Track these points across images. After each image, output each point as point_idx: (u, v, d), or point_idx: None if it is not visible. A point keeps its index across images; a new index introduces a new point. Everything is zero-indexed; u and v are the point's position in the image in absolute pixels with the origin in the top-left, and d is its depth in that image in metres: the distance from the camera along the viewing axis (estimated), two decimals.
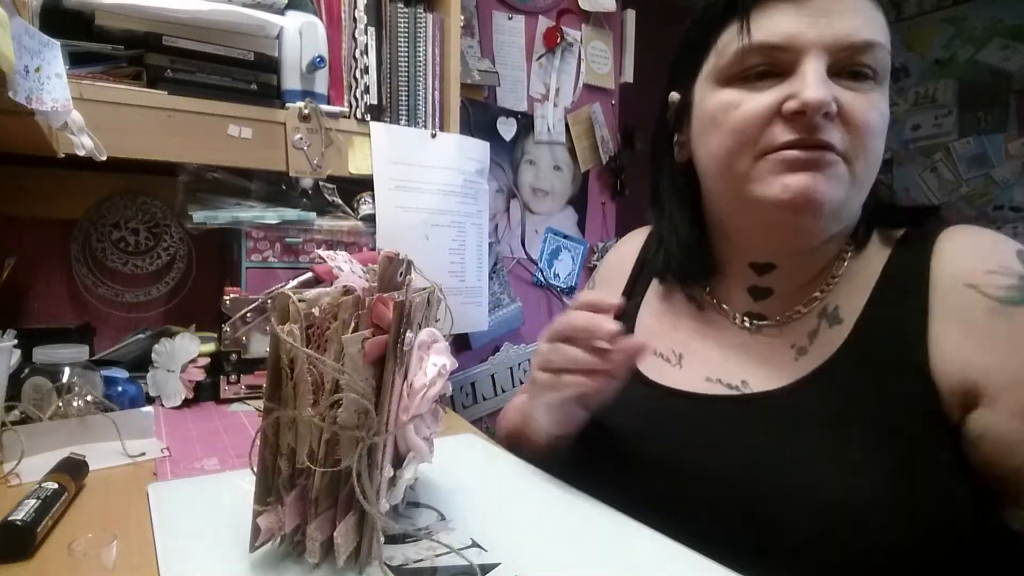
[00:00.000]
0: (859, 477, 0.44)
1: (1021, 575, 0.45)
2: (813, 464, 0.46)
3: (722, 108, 0.50)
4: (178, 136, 0.85)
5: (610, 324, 0.48)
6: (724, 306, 0.58)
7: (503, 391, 1.50)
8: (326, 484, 0.40)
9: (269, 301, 0.83)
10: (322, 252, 0.72)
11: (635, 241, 0.72)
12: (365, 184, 1.02)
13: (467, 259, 1.15)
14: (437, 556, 0.42)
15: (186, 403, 0.81)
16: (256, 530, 0.39)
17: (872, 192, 0.52)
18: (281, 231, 0.92)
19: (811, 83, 0.45)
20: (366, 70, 1.03)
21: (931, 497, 0.43)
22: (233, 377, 0.83)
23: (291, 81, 0.95)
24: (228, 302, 0.82)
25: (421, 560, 0.42)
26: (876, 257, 0.51)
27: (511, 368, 1.51)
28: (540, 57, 1.53)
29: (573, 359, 0.49)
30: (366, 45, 1.03)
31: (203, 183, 0.92)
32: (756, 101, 0.48)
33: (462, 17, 1.14)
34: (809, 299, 0.53)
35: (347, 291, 0.40)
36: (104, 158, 0.74)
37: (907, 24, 2.35)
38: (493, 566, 0.41)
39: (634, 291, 0.67)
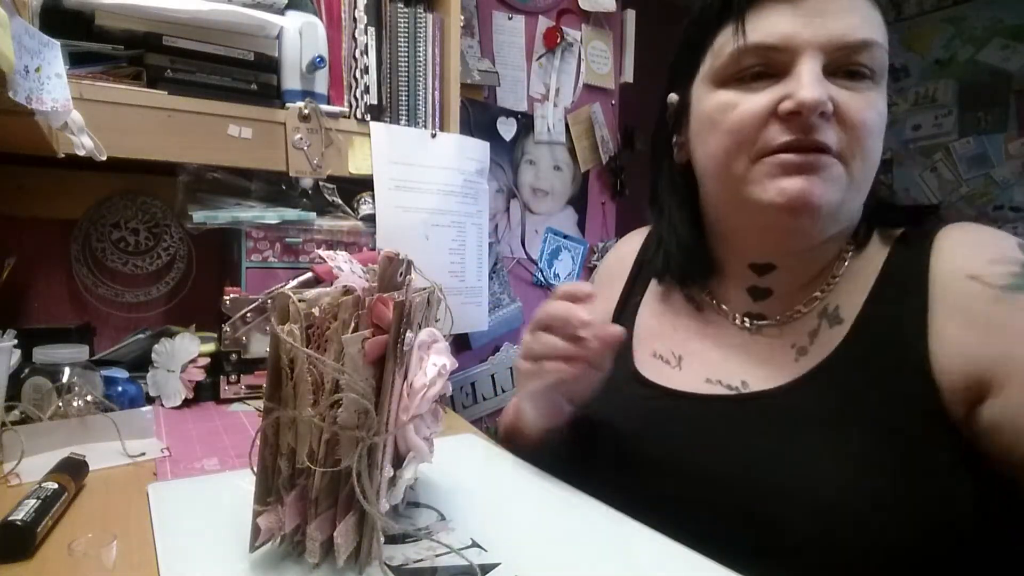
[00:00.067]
0: (859, 477, 0.44)
1: (1021, 575, 0.45)
2: (813, 464, 0.45)
3: (719, 109, 0.50)
4: (178, 136, 0.85)
5: (584, 313, 0.50)
6: (723, 306, 0.58)
7: (503, 391, 1.50)
8: (326, 484, 0.40)
9: (269, 301, 0.83)
10: (322, 252, 0.72)
11: (634, 242, 0.72)
12: (365, 184, 1.02)
13: (467, 259, 1.15)
14: (437, 556, 0.42)
15: (186, 403, 0.81)
16: (256, 530, 0.39)
17: (872, 192, 0.52)
18: (281, 231, 0.92)
19: (806, 83, 0.45)
20: (366, 70, 1.03)
21: (931, 497, 0.42)
22: (233, 377, 0.83)
23: (291, 81, 0.95)
24: (228, 302, 0.82)
25: (421, 560, 0.42)
26: (876, 256, 0.51)
27: (511, 368, 1.51)
28: (540, 57, 1.53)
29: (552, 347, 0.51)
30: (366, 45, 1.03)
31: (203, 183, 0.92)
32: (752, 102, 0.48)
33: (462, 17, 1.14)
34: (809, 299, 0.53)
35: (347, 291, 0.41)
36: (104, 158, 0.74)
37: (907, 24, 2.34)
38: (493, 566, 0.41)
39: (633, 291, 0.68)
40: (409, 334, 0.40)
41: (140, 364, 0.84)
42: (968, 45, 2.20)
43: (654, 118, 0.62)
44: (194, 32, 0.86)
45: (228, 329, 0.81)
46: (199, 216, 0.87)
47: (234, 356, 0.83)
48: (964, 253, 0.47)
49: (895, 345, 0.46)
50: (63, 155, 0.75)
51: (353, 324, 0.40)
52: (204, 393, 0.83)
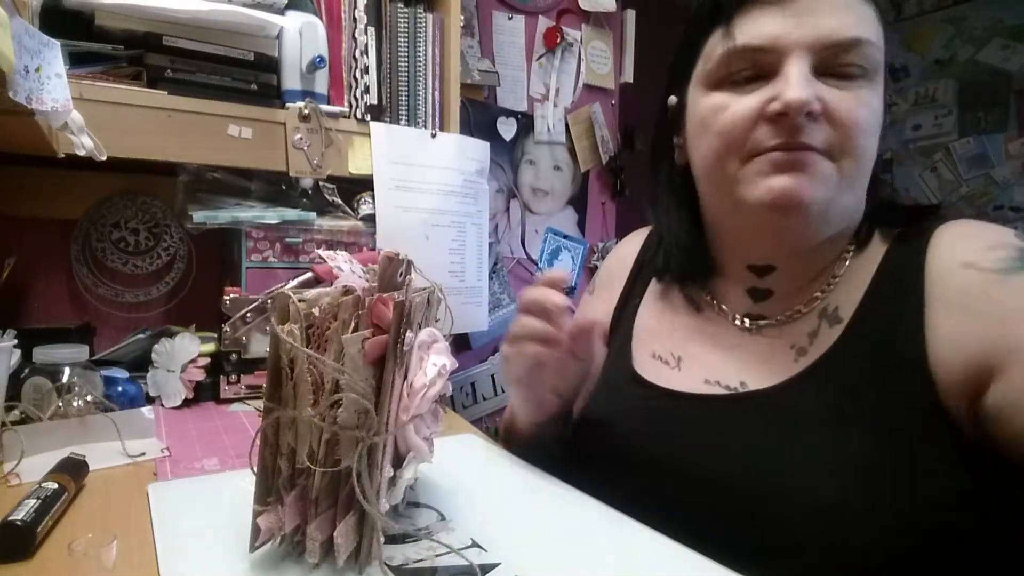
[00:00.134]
0: (859, 477, 0.44)
1: (1021, 575, 0.45)
2: (813, 464, 0.45)
3: (710, 112, 0.50)
4: (178, 136, 0.85)
5: (559, 297, 0.53)
6: (723, 307, 0.58)
7: (503, 391, 1.50)
8: (326, 484, 0.40)
9: (269, 301, 0.83)
10: (322, 252, 0.72)
11: (635, 242, 0.72)
12: (365, 184, 1.02)
13: (467, 259, 1.15)
14: (437, 556, 0.42)
15: (186, 403, 0.81)
16: (256, 530, 0.39)
17: (874, 192, 0.51)
18: (281, 231, 0.92)
19: (793, 83, 0.45)
20: (366, 70, 1.03)
21: (931, 497, 0.42)
22: (233, 377, 0.83)
23: (291, 81, 0.95)
24: (228, 302, 0.82)
25: (421, 560, 0.42)
26: (876, 255, 0.51)
27: None
28: (540, 57, 1.53)
29: (531, 328, 0.54)
30: (366, 45, 1.03)
31: (203, 183, 0.92)
32: (742, 104, 0.48)
33: (462, 17, 1.14)
34: (810, 299, 0.53)
35: (347, 291, 0.41)
36: (104, 158, 0.74)
37: (907, 24, 2.34)
38: (493, 566, 0.41)
39: (633, 292, 0.68)
40: (409, 334, 0.40)
41: (140, 364, 0.84)
42: (968, 45, 2.20)
43: (654, 118, 0.63)
44: (194, 32, 0.86)
45: (228, 329, 0.81)
46: (199, 216, 0.87)
47: (234, 356, 0.83)
48: (960, 245, 0.47)
49: (893, 343, 0.46)
50: (63, 155, 0.75)
51: (353, 324, 0.40)
52: (204, 393, 0.83)
